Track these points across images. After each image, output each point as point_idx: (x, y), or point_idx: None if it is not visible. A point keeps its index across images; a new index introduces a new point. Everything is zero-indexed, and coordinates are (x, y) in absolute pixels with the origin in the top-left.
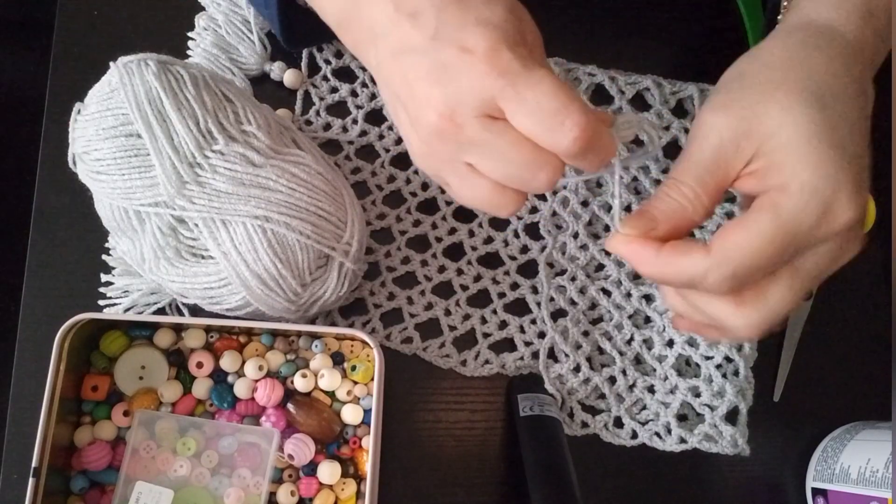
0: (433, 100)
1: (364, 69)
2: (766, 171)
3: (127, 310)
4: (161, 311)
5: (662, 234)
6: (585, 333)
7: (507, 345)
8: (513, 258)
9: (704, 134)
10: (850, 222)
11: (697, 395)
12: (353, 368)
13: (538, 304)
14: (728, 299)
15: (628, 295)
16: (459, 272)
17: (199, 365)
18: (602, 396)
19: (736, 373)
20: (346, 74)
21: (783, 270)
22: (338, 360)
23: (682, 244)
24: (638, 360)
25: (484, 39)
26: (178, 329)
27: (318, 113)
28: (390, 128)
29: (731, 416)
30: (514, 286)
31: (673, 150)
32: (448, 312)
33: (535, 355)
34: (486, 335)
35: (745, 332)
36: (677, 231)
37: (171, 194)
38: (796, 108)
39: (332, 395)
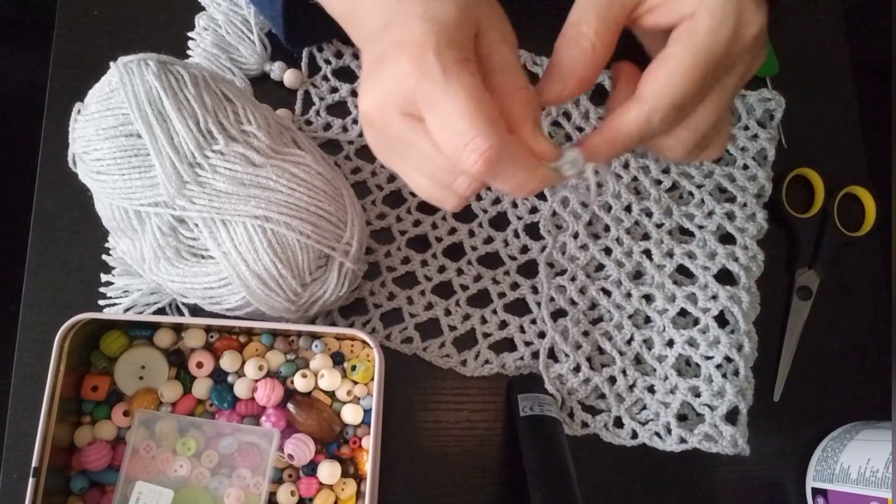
0: (367, 91)
1: None
2: (668, 3)
3: (127, 310)
4: (161, 311)
5: (573, 88)
6: (585, 333)
7: (507, 345)
8: (513, 258)
9: None
10: (759, 32)
11: (697, 395)
12: (353, 368)
13: (538, 304)
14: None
15: (628, 295)
16: (459, 272)
17: (199, 365)
18: (602, 396)
19: (736, 373)
20: (346, 74)
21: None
22: (338, 360)
23: (615, 112)
24: (638, 360)
25: (417, 35)
26: (178, 329)
27: (318, 113)
28: None
29: (731, 416)
30: (514, 286)
31: None
32: (448, 312)
33: (535, 355)
34: (486, 335)
35: (678, 153)
36: (587, 81)
37: (171, 194)
38: None
39: (332, 395)
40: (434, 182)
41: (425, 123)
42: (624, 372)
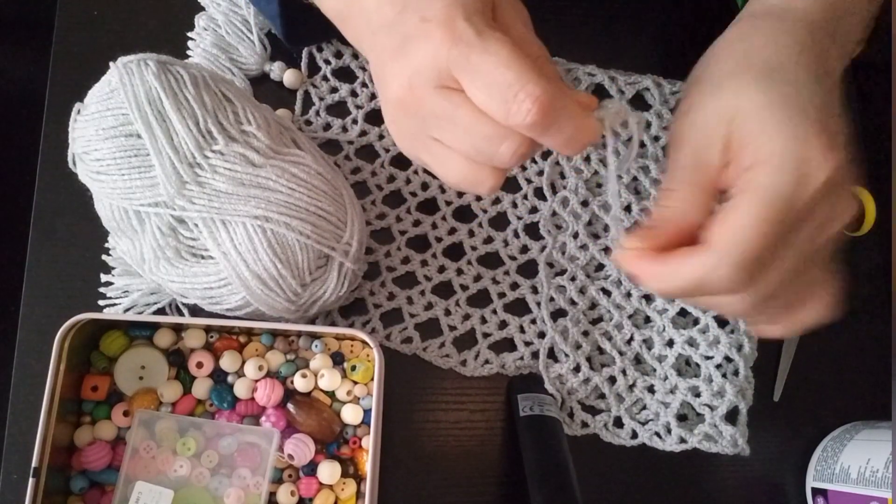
0: (395, 73)
1: (364, 69)
2: (738, 155)
3: (127, 310)
4: (161, 311)
5: (665, 240)
6: (585, 333)
7: (507, 345)
8: (513, 258)
9: (678, 140)
10: (830, 177)
11: (697, 395)
12: (353, 368)
13: (538, 304)
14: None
15: (628, 295)
16: (459, 272)
17: (199, 365)
18: (602, 396)
19: (736, 373)
20: (346, 74)
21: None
22: (338, 360)
23: (684, 249)
24: (638, 360)
25: (442, 7)
26: (178, 329)
27: (318, 113)
28: None
29: (731, 416)
30: (514, 286)
31: None
32: (448, 312)
33: (535, 355)
34: (486, 335)
35: (737, 309)
36: (681, 234)
37: (170, 194)
38: (749, 87)
39: (332, 395)
40: (472, 160)
41: (464, 92)
42: (624, 372)
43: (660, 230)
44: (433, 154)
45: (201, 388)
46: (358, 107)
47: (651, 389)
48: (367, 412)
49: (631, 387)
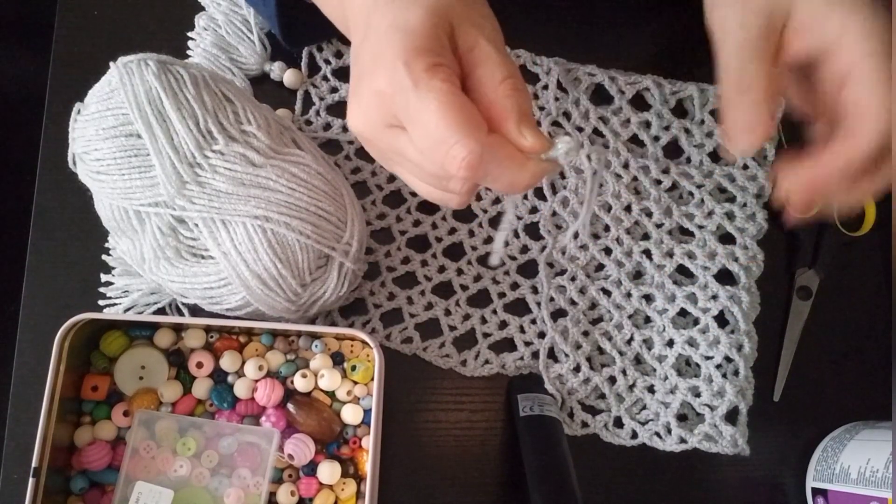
0: (352, 110)
1: None
2: (810, 28)
3: (127, 310)
4: (161, 311)
5: (762, 137)
6: (585, 333)
7: (507, 345)
8: (513, 258)
9: (736, 20)
10: None
11: (697, 395)
12: (353, 368)
13: (538, 304)
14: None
15: (628, 295)
16: (459, 272)
17: (199, 365)
18: (602, 396)
19: (736, 373)
20: (346, 74)
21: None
22: (338, 360)
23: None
24: (638, 360)
25: (386, 47)
26: (178, 329)
27: (318, 113)
28: None
29: (731, 416)
30: (514, 286)
31: (673, 149)
32: (448, 312)
33: (535, 355)
34: (486, 335)
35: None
36: (770, 124)
37: (171, 194)
38: None
39: (332, 395)
40: (431, 185)
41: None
42: (624, 372)
43: (751, 123)
44: (401, 174)
45: (201, 388)
46: None
47: (651, 389)
48: (367, 412)
49: (631, 387)
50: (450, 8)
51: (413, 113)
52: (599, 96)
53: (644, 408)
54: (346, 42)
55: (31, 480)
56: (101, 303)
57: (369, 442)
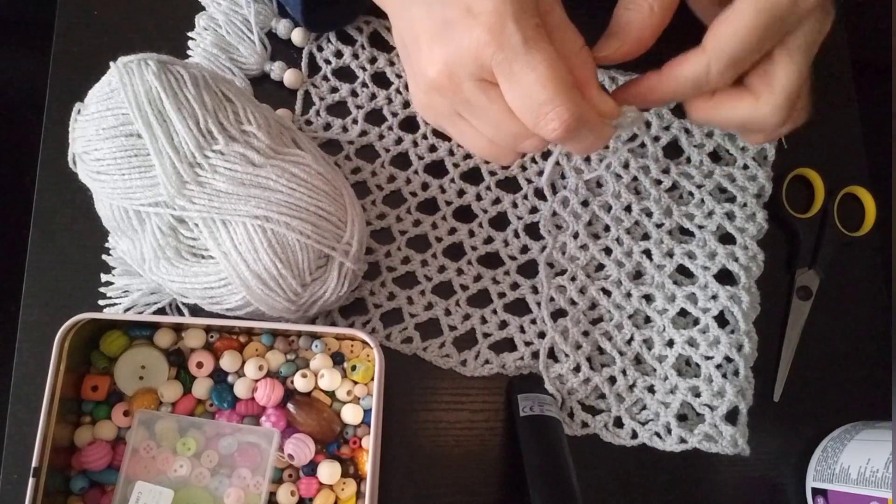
0: (434, 56)
1: (364, 69)
2: None
3: (127, 310)
4: (161, 311)
5: (630, 47)
6: (585, 333)
7: (507, 345)
8: (513, 258)
9: None
10: (820, 2)
11: (697, 395)
12: (353, 368)
13: (538, 304)
14: (745, 96)
15: (628, 295)
16: (459, 272)
17: (199, 365)
18: (602, 396)
19: (736, 373)
20: (346, 74)
21: (779, 52)
22: (338, 360)
23: (676, 58)
24: (638, 360)
25: (489, 2)
26: (178, 329)
27: (318, 113)
28: (390, 128)
29: (731, 416)
30: (514, 286)
31: (673, 149)
32: (448, 312)
33: (535, 355)
34: (486, 335)
35: (777, 117)
36: (644, 41)
37: (171, 194)
38: None
39: (332, 395)
40: (496, 143)
41: (499, 88)
42: (624, 372)
43: (627, 29)
44: (459, 129)
45: (201, 387)
46: (358, 107)
47: (651, 389)
48: (367, 412)
49: (631, 387)
50: None
51: (517, 71)
52: None
53: (644, 408)
54: (347, 42)
55: (31, 480)
56: (101, 303)
57: (369, 442)
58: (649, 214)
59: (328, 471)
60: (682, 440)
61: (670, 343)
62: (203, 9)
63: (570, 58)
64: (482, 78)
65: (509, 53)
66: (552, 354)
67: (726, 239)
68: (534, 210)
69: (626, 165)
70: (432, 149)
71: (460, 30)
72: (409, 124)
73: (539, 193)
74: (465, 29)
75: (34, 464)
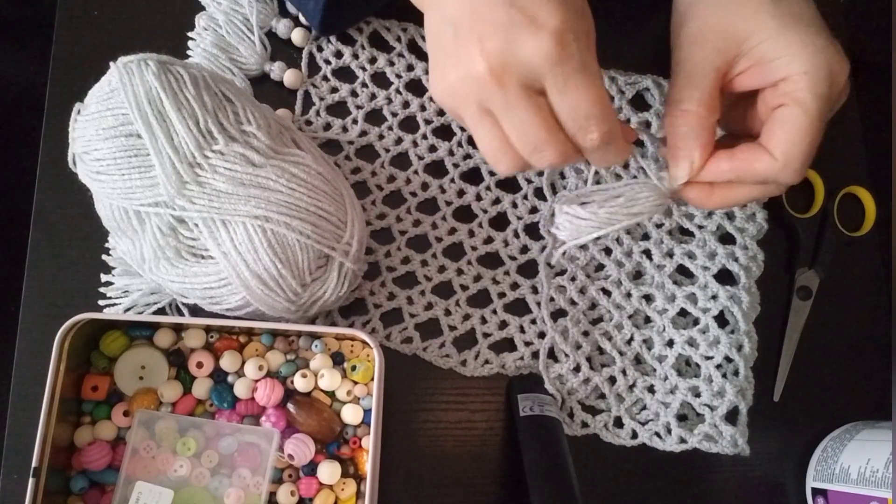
0: (488, 50)
1: (364, 69)
2: (759, 68)
3: (127, 310)
4: (161, 311)
5: (701, 161)
6: (585, 333)
7: (507, 345)
8: (513, 258)
9: (689, 53)
10: (847, 72)
11: (697, 395)
12: (353, 368)
13: (538, 304)
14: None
15: (628, 295)
16: (459, 272)
17: (199, 365)
18: (602, 396)
19: (736, 373)
20: (346, 74)
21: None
22: (338, 360)
23: (747, 152)
24: (638, 360)
25: (555, 18)
26: (178, 329)
27: (318, 113)
28: (390, 128)
29: (731, 416)
30: (514, 286)
31: None
32: (448, 312)
33: (535, 355)
34: (486, 335)
35: (796, 178)
36: (708, 147)
37: (171, 194)
38: (763, 7)
39: (332, 395)
40: (512, 147)
41: (543, 97)
42: (624, 372)
43: (694, 157)
44: (477, 122)
45: (201, 388)
46: (358, 107)
47: (651, 389)
48: (367, 412)
49: (631, 387)
50: (586, 8)
51: (573, 87)
52: None
53: (644, 408)
54: (347, 42)
55: (31, 480)
56: (101, 303)
57: (369, 442)
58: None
59: (328, 471)
60: (682, 440)
61: (670, 343)
62: (203, 9)
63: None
64: (530, 86)
65: (568, 69)
66: (552, 354)
67: (726, 239)
68: (534, 210)
69: (626, 166)
70: (432, 149)
71: (525, 35)
72: (409, 124)
73: (539, 193)
74: (530, 35)
75: (34, 464)
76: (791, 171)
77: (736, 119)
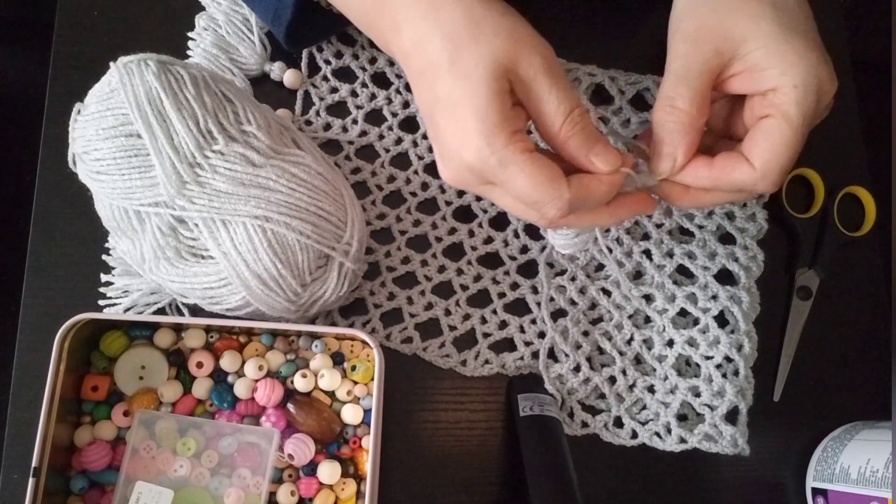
0: (445, 171)
1: (364, 69)
2: (751, 74)
3: (127, 310)
4: (161, 311)
5: (683, 159)
6: (585, 333)
7: (507, 345)
8: (513, 258)
9: (685, 51)
10: (835, 90)
11: (697, 395)
12: (353, 368)
13: (538, 304)
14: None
15: (628, 295)
16: (459, 272)
17: (199, 365)
18: (602, 396)
19: (736, 373)
20: (346, 74)
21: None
22: (338, 360)
23: (727, 161)
24: (638, 360)
25: (468, 126)
26: (178, 329)
27: (318, 113)
28: (390, 128)
29: (731, 416)
30: (514, 286)
31: None
32: (448, 312)
33: (535, 355)
34: (486, 335)
35: (773, 189)
36: (693, 146)
37: (171, 194)
38: (763, 13)
39: (332, 395)
40: (525, 205)
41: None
42: (624, 372)
43: (677, 153)
44: (489, 192)
45: (201, 388)
46: (358, 107)
47: (651, 389)
48: (367, 412)
49: (631, 387)
50: (504, 57)
51: (505, 182)
52: (599, 96)
53: (644, 408)
54: (347, 42)
55: (31, 480)
56: (101, 303)
57: (369, 442)
58: (649, 215)
59: (328, 471)
60: (682, 440)
61: (670, 343)
62: (203, 9)
63: (556, 137)
64: (487, 182)
65: (492, 171)
66: (552, 354)
67: (726, 239)
68: None
69: None
70: (432, 149)
71: (453, 153)
72: (409, 124)
73: None
74: (456, 153)
75: (34, 464)
76: (769, 182)
77: (718, 118)
